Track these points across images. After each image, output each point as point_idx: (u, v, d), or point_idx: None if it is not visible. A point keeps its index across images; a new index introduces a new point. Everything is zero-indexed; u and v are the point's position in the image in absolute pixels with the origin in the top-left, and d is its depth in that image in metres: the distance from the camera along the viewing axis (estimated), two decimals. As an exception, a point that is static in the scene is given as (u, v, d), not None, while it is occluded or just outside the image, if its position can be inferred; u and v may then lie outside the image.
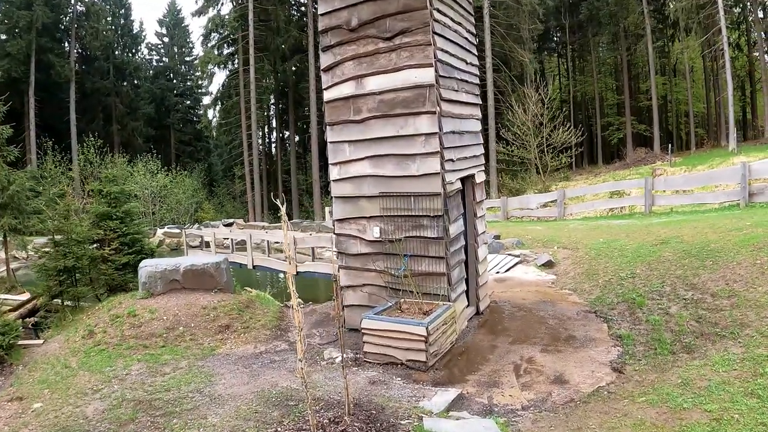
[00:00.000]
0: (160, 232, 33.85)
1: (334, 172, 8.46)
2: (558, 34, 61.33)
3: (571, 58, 60.35)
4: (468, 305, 8.45)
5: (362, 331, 7.20)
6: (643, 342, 7.35)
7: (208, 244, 22.47)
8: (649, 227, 13.53)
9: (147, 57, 65.37)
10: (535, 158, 28.65)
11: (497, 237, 15.60)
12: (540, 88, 29.41)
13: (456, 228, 7.65)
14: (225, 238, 22.05)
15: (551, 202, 22.11)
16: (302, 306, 11.23)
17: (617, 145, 53.28)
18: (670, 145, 35.17)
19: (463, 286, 8.03)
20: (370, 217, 8.01)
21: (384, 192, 7.80)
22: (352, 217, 8.25)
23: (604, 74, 58.71)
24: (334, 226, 8.60)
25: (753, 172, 15.11)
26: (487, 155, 37.49)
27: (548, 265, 12.26)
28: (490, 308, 9.14)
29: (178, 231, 31.86)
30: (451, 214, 7.46)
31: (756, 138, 38.80)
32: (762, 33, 41.74)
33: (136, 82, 58.85)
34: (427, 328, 6.52)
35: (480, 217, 8.79)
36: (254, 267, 17.87)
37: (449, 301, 7.42)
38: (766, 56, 42.11)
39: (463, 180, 8.12)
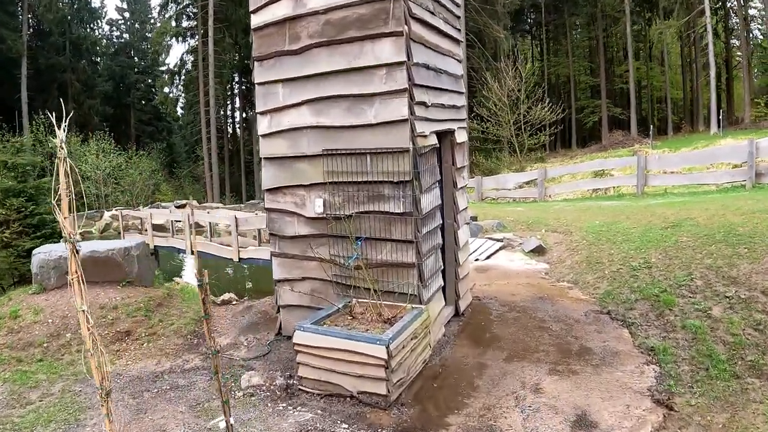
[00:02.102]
0: (107, 214, 31.15)
1: (263, 125, 6.24)
2: (533, 15, 59.64)
3: (545, 40, 58.75)
4: (446, 305, 6.34)
5: (295, 347, 5.03)
6: (687, 358, 5.36)
7: (157, 227, 19.97)
8: (649, 208, 11.66)
9: (107, 33, 61.83)
10: (511, 136, 26.66)
11: (474, 218, 13.54)
12: (517, 61, 27.42)
13: (430, 200, 5.49)
14: (174, 221, 19.55)
15: (531, 181, 20.17)
16: (236, 302, 9.02)
17: (592, 129, 52.03)
18: (651, 126, 33.68)
19: (440, 281, 5.89)
20: (311, 185, 5.82)
21: (330, 149, 5.60)
22: (286, 185, 6.05)
23: (579, 57, 57.33)
24: (264, 198, 6.39)
25: (761, 150, 13.34)
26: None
27: (538, 251, 10.24)
28: (473, 307, 7.05)
29: (126, 213, 29.13)
30: (424, 181, 5.30)
31: (736, 123, 37.61)
32: (741, 19, 40.56)
33: (94, 58, 55.66)
34: (387, 348, 4.38)
35: (461, 188, 6.67)
36: (193, 253, 15.50)
37: (421, 302, 5.30)
38: (746, 40, 40.99)
39: (439, 136, 5.97)
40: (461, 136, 6.58)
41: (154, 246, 18.83)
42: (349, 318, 5.29)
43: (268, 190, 6.28)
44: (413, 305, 5.22)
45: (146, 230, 19.32)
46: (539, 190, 19.06)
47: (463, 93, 6.96)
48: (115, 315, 7.58)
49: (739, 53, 50.47)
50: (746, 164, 13.39)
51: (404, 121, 5.10)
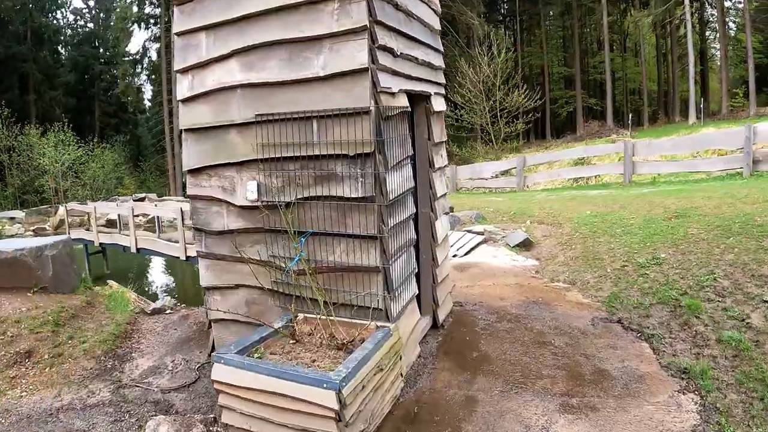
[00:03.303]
0: (62, 210, 29.27)
1: (182, 87, 4.80)
2: (506, 5, 58.74)
3: (519, 30, 57.86)
4: (421, 316, 5.01)
5: (215, 386, 3.65)
6: (734, 383, 4.13)
7: (111, 223, 18.32)
8: (644, 197, 10.57)
9: (72, 23, 59.12)
10: (487, 124, 25.41)
11: (450, 209, 12.25)
12: (493, 46, 26.20)
13: (399, 182, 4.13)
14: (139, 215, 17.85)
15: (509, 170, 19.01)
16: (171, 310, 7.59)
17: (566, 120, 51.40)
18: (630, 115, 32.89)
19: (413, 288, 4.53)
20: (242, 163, 4.41)
21: (265, 114, 4.20)
22: (212, 164, 4.63)
23: (554, 47, 56.66)
24: (186, 182, 4.98)
25: (759, 135, 12.33)
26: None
27: (525, 245, 8.99)
28: (454, 316, 5.74)
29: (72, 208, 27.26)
30: (390, 154, 3.93)
31: (713, 114, 37.12)
32: (719, 11, 40.15)
33: (57, 48, 53.06)
34: (339, 394, 3.03)
35: (439, 169, 5.32)
36: (138, 250, 13.95)
37: (388, 318, 3.96)
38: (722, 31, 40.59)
39: (412, 100, 4.63)
40: (439, 104, 5.24)
41: (100, 243, 17.22)
42: (292, 342, 3.92)
43: (191, 172, 4.86)
44: (378, 323, 3.87)
45: (112, 226, 17.76)
46: (518, 179, 17.90)
47: (440, 52, 5.61)
48: (17, 330, 6.10)
49: (714, 45, 50.38)
50: (742, 150, 12.38)
51: (363, 71, 3.73)
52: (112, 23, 59.82)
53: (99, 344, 6.09)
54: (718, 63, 51.92)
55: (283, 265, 4.19)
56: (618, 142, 17.60)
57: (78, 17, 59.75)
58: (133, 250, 14.07)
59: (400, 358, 3.98)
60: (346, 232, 3.93)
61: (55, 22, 54.77)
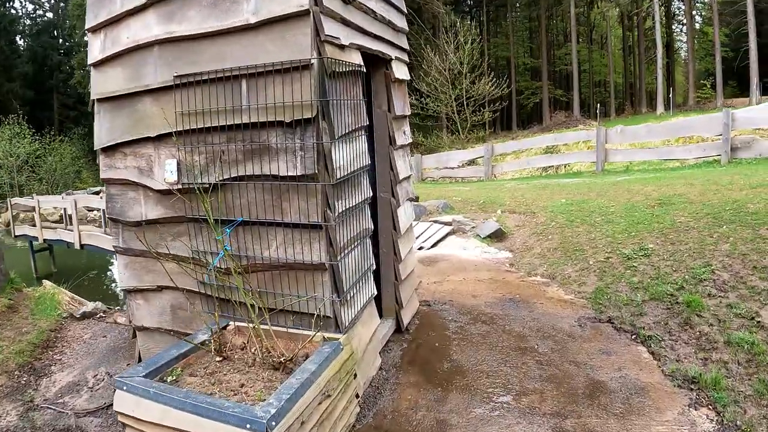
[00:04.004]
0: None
1: (94, 49, 3.94)
2: (472, -4, 58.38)
3: (486, 21, 57.52)
4: (382, 320, 4.25)
5: (119, 417, 2.82)
6: (752, 395, 3.47)
7: (60, 218, 17.08)
8: (620, 185, 10.01)
9: (30, 12, 56.63)
10: (453, 113, 24.70)
11: (415, 199, 11.53)
12: (459, 34, 25.52)
13: (351, 157, 3.31)
14: (93, 210, 16.63)
15: (476, 159, 18.37)
16: (102, 315, 6.67)
17: (533, 111, 51.36)
18: (598, 105, 32.71)
19: (371, 288, 3.72)
20: (160, 137, 3.55)
21: (184, 75, 3.35)
22: (126, 140, 3.76)
23: (520, 38, 56.53)
24: (99, 162, 4.10)
25: (737, 121, 11.92)
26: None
27: (497, 236, 8.30)
28: (421, 317, 4.98)
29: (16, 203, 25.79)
30: (339, 122, 3.10)
31: (680, 106, 37.30)
32: (687, 3, 40.38)
33: (14, 38, 50.85)
34: (261, 438, 2.24)
35: (401, 148, 4.53)
36: (82, 246, 12.85)
37: (338, 328, 3.17)
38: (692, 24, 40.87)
39: (368, 63, 3.84)
40: (401, 72, 4.45)
41: (44, 239, 16.02)
42: (218, 360, 3.10)
43: (104, 151, 3.98)
44: (326, 334, 3.08)
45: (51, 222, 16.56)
46: (485, 168, 17.28)
47: (403, 13, 4.82)
48: None
49: (679, 38, 50.92)
50: (720, 137, 11.94)
51: (303, 15, 2.91)
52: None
53: (14, 356, 5.20)
54: (683, 55, 52.69)
55: (212, 264, 3.35)
56: (590, 130, 17.11)
57: (37, 7, 57.64)
58: (77, 246, 12.97)
59: (355, 377, 3.20)
60: (283, 220, 3.12)
61: (12, 11, 52.65)
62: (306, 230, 3.05)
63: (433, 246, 8.50)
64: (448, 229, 9.20)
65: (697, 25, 48.56)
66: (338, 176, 2.98)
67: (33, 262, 17.40)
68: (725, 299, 4.58)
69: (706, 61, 45.50)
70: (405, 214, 4.54)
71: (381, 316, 4.57)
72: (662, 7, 47.34)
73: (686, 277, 5.10)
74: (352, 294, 3.25)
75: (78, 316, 6.63)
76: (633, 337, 4.45)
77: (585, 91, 56.75)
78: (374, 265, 3.62)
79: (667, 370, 3.86)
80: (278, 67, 2.99)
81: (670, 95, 32.88)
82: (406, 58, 4.62)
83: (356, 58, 3.37)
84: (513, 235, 8.27)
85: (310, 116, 2.92)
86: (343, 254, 3.13)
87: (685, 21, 44.97)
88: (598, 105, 32.37)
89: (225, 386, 2.86)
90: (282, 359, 2.92)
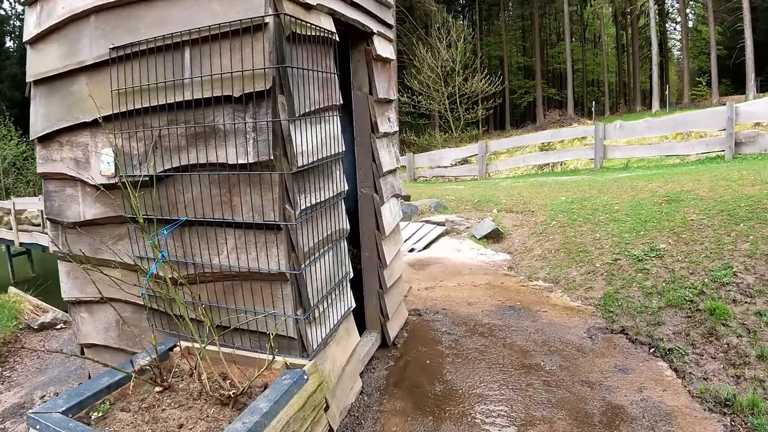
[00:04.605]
0: (-2, 207, 27.12)
1: (30, 23, 3.34)
2: (465, -5, 57.98)
3: (478, 20, 57.10)
4: (364, 335, 3.68)
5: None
6: (802, 426, 2.91)
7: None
8: (622, 182, 9.47)
9: (20, 12, 55.90)
10: (446, 111, 24.13)
11: (406, 198, 11.00)
12: (452, 31, 25.00)
13: (318, 140, 2.70)
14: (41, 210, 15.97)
15: (470, 157, 17.82)
16: (62, 326, 6.12)
17: (526, 110, 50.96)
18: (594, 103, 32.29)
19: (347, 300, 3.11)
20: (96, 122, 2.95)
21: (121, 46, 2.76)
22: (62, 127, 3.17)
23: (513, 37, 56.15)
24: (36, 153, 3.51)
25: (740, 115, 11.40)
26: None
27: (493, 237, 7.74)
28: (410, 329, 4.40)
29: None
30: (302, 95, 2.50)
31: (676, 103, 36.93)
32: (680, 1, 40.11)
33: (3, 39, 50.23)
34: None
35: (385, 136, 3.94)
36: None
37: (304, 351, 2.58)
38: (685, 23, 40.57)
39: (347, 36, 3.27)
40: (385, 49, 3.86)
41: (20, 243, 15.35)
42: (158, 391, 2.51)
43: (40, 141, 3.38)
44: (290, 359, 2.50)
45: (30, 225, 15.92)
46: (479, 166, 16.73)
47: (387, -17, 4.25)
48: None
49: (673, 36, 50.67)
50: (724, 131, 11.43)
51: (253, -40, 2.34)
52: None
53: (-50, 373, 4.64)
54: (677, 54, 52.44)
55: (156, 270, 2.77)
56: (588, 126, 16.61)
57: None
58: (52, 250, 12.32)
59: (327, 409, 2.62)
60: (234, 219, 2.53)
61: (1, 12, 51.88)
62: (261, 232, 2.46)
63: (425, 248, 7.94)
64: (441, 229, 8.63)
65: (691, 23, 48.29)
66: (300, 164, 2.39)
67: (10, 267, 16.72)
68: (753, 306, 4.03)
69: (700, 59, 45.16)
70: (390, 212, 3.95)
71: (364, 328, 4.00)
72: (656, 5, 47.12)
73: (706, 280, 4.55)
74: (321, 309, 2.66)
75: (36, 327, 6.07)
76: (651, 350, 3.89)
77: (579, 90, 56.47)
78: (351, 273, 3.02)
79: (694, 391, 3.30)
80: (226, 29, 2.40)
81: (666, 92, 32.49)
82: (391, 35, 4.03)
83: (327, 24, 2.78)
84: (511, 236, 7.71)
85: (264, 88, 2.34)
86: (309, 261, 2.54)
87: (678, 19, 44.65)
88: (594, 103, 31.90)
89: (161, 427, 2.28)
90: (232, 393, 2.33)
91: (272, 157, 2.33)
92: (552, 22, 55.42)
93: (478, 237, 7.89)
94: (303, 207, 2.43)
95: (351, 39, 3.54)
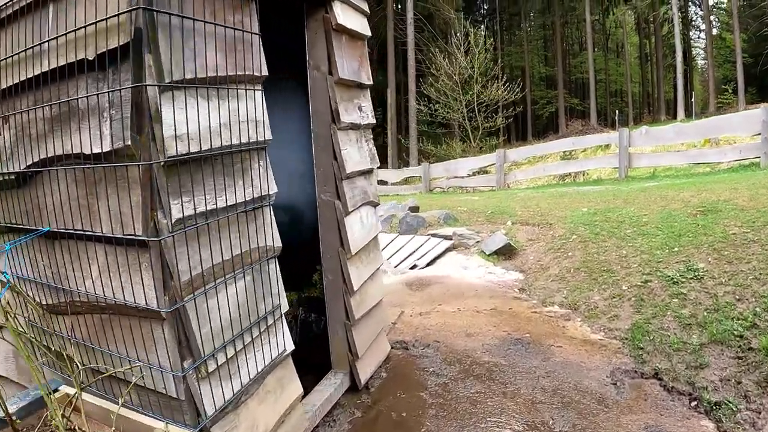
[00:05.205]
0: None
1: None
2: (486, 4, 57.42)
3: (499, 30, 56.47)
4: (330, 374, 2.89)
5: None
6: None
7: None
8: (650, 191, 8.52)
9: None
10: (463, 119, 23.28)
11: (414, 209, 10.21)
12: (469, 36, 24.26)
13: (215, 121, 1.86)
14: None
15: (488, 167, 16.98)
16: None
17: (548, 121, 50.03)
18: (617, 112, 31.26)
19: (279, 342, 2.27)
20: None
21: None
22: None
23: (535, 48, 55.36)
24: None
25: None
26: (407, 118, 32.21)
27: (505, 252, 6.89)
28: (391, 368, 3.59)
29: None
30: (185, 54, 1.70)
31: (700, 113, 35.67)
32: (706, 7, 38.96)
33: None
34: None
35: (351, 128, 3.14)
36: None
37: (197, 417, 1.81)
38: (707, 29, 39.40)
39: (300, 2, 2.53)
40: (351, 19, 3.08)
41: None
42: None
43: None
44: (175, 429, 1.72)
45: None
46: (498, 176, 15.84)
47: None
48: None
49: (696, 45, 49.41)
50: (759, 137, 10.43)
51: None
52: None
53: None
54: (701, 62, 51.10)
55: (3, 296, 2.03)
56: (612, 133, 15.68)
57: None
58: None
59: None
60: (94, 231, 1.78)
61: None
62: (121, 248, 1.71)
63: (428, 264, 7.15)
64: (447, 243, 7.81)
65: (715, 30, 46.96)
66: (176, 152, 1.62)
67: None
68: (826, 345, 3.16)
69: (725, 68, 43.74)
70: (362, 224, 3.17)
71: (328, 367, 3.21)
72: (680, 12, 45.98)
73: (757, 309, 3.68)
74: (226, 358, 1.88)
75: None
76: (693, 403, 3.04)
77: (602, 101, 55.41)
78: (285, 306, 2.24)
79: (757, 469, 2.44)
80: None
81: (692, 100, 31.25)
82: (363, 5, 3.26)
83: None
84: (525, 251, 6.86)
85: (123, 43, 1.59)
86: (199, 292, 1.77)
87: (702, 26, 43.35)
88: (617, 112, 30.88)
89: None
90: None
91: (130, 142, 1.57)
92: (574, 31, 54.53)
93: (487, 253, 7.05)
94: (183, 215, 1.66)
95: (306, 4, 2.80)
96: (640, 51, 52.67)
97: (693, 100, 29.61)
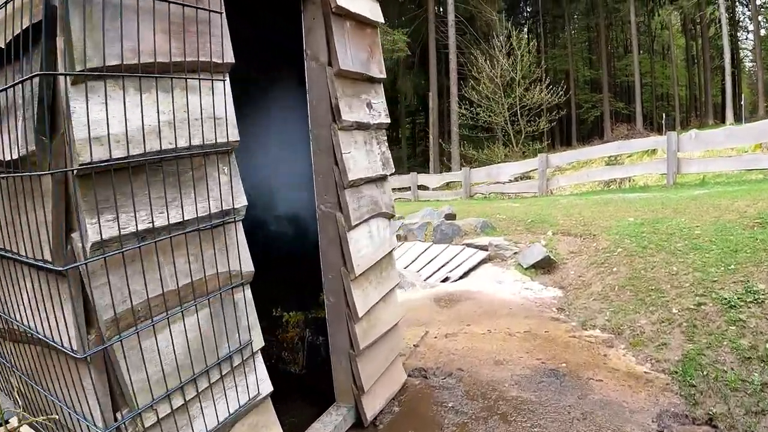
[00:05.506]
0: None
1: None
2: (529, 8, 56.53)
3: (543, 33, 55.44)
4: (331, 409, 2.52)
5: None
6: None
7: None
8: (702, 200, 7.83)
9: None
10: (505, 123, 22.69)
11: (451, 217, 9.76)
12: (512, 38, 23.66)
13: (149, 119, 1.53)
14: None
15: (530, 172, 16.36)
16: None
17: (593, 125, 48.80)
18: (664, 115, 30.06)
19: (252, 385, 1.92)
20: None
21: None
22: None
23: (579, 50, 54.16)
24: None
25: None
26: (449, 122, 31.65)
27: (543, 266, 6.40)
28: (406, 401, 3.19)
29: None
30: (109, 34, 1.35)
31: (751, 116, 34.00)
32: (754, 8, 37.26)
33: None
34: None
35: (356, 128, 2.75)
36: None
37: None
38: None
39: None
40: (356, 2, 2.71)
41: None
42: None
43: None
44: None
45: None
46: (540, 182, 15.21)
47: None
48: None
49: (744, 46, 47.46)
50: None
51: None
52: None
53: None
54: (749, 65, 49.01)
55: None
56: (659, 136, 14.88)
57: None
58: None
59: None
60: (18, 252, 1.46)
61: None
62: (45, 275, 1.39)
63: (461, 277, 6.73)
64: (482, 255, 7.36)
65: (763, 31, 44.87)
66: (91, 158, 1.27)
67: None
68: None
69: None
70: (369, 239, 2.79)
71: (332, 400, 2.84)
72: (727, 12, 44.21)
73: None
74: (171, 409, 1.52)
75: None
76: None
77: (648, 105, 53.83)
78: (260, 342, 1.88)
79: None
80: None
81: (742, 103, 29.75)
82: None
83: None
84: (565, 265, 6.35)
85: (36, 22, 1.26)
86: (127, 332, 1.41)
87: (750, 27, 41.38)
88: (663, 116, 29.70)
89: None
90: None
91: (36, 146, 1.24)
92: (619, 33, 53.16)
93: (525, 266, 6.57)
94: (101, 237, 1.31)
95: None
96: (687, 53, 50.88)
97: (742, 103, 28.14)
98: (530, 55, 24.52)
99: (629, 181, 14.59)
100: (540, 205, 10.94)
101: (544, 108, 22.97)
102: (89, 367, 1.40)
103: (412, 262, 7.84)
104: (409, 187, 19.49)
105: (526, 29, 59.88)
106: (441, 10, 38.57)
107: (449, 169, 26.08)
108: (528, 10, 57.45)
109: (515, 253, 7.24)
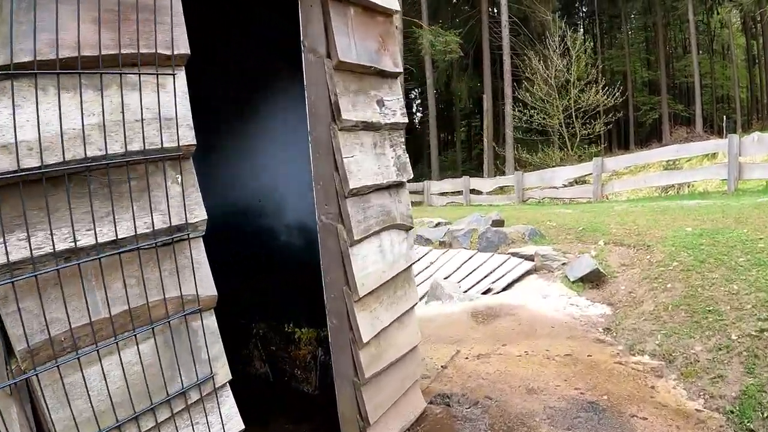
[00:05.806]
0: None
1: None
2: (585, 8, 55.26)
3: (599, 34, 54.03)
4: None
5: None
6: None
7: None
8: (766, 208, 7.19)
9: None
10: (560, 125, 22.01)
11: (498, 223, 9.30)
12: (566, 38, 23.01)
13: (60, 123, 1.25)
14: None
15: (584, 177, 15.73)
16: None
17: (651, 128, 47.18)
18: (725, 118, 28.54)
19: (219, 422, 1.66)
20: None
21: None
22: None
23: (636, 51, 52.51)
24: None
25: None
26: (503, 125, 30.99)
27: (592, 280, 5.93)
28: None
29: None
30: (18, 21, 1.14)
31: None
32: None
33: None
34: None
35: (361, 128, 2.43)
36: None
37: None
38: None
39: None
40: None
41: None
42: None
43: None
44: None
45: None
46: (594, 187, 14.58)
47: None
48: None
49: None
50: None
51: None
52: None
53: None
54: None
55: None
56: (719, 139, 14.01)
57: None
58: None
59: None
60: None
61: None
62: None
63: (504, 289, 6.38)
64: (528, 265, 6.95)
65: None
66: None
67: None
68: None
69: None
70: (380, 255, 2.49)
71: (337, 430, 2.56)
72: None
73: None
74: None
75: None
76: None
77: (707, 107, 51.64)
78: (227, 375, 1.60)
79: None
80: None
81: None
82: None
83: None
84: (615, 279, 5.87)
85: None
86: (43, 367, 1.18)
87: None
88: (724, 118, 28.21)
89: None
90: None
91: None
92: (677, 33, 51.19)
93: (571, 279, 6.12)
94: (8, 258, 1.08)
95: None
96: (747, 53, 48.46)
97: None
98: (586, 55, 23.81)
99: (688, 186, 13.80)
100: (593, 212, 10.37)
101: (600, 110, 22.20)
102: (13, 404, 1.18)
103: (454, 272, 7.51)
104: (462, 191, 19.23)
105: (581, 29, 58.60)
106: (494, 10, 38.08)
107: (503, 173, 25.60)
108: (583, 10, 56.20)
109: (563, 264, 6.79)
